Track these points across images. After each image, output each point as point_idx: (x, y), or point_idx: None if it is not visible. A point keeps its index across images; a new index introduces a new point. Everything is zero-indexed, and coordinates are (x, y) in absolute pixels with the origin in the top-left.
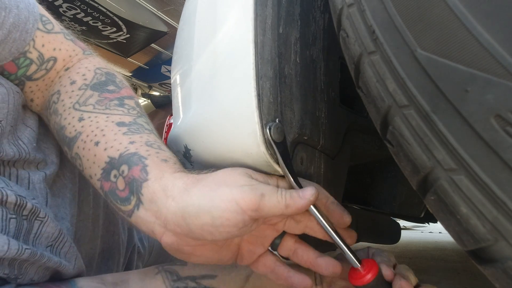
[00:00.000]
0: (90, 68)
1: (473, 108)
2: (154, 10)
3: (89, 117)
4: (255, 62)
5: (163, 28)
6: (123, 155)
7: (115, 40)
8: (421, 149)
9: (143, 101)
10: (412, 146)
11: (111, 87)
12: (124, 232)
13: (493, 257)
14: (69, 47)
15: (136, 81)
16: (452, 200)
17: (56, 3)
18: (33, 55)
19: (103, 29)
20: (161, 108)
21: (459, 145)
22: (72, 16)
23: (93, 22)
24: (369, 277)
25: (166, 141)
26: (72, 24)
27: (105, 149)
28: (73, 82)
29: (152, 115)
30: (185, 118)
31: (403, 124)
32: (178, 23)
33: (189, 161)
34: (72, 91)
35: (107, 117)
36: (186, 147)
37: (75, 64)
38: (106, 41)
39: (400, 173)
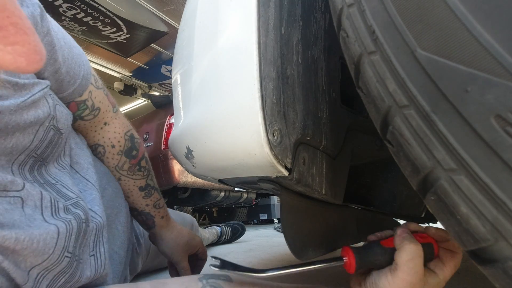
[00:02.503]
0: (121, 133)
1: (473, 108)
2: (154, 10)
3: (124, 180)
4: (259, 63)
5: (163, 28)
6: (142, 211)
7: (115, 40)
8: (421, 149)
9: (143, 101)
10: (412, 146)
11: (134, 152)
12: (138, 227)
13: (493, 257)
14: (106, 101)
15: (136, 81)
16: (452, 200)
17: (56, 3)
18: (89, 103)
19: (103, 29)
20: (161, 108)
21: (459, 145)
22: (72, 16)
23: (93, 22)
24: (353, 264)
25: (166, 142)
26: (72, 24)
27: (133, 203)
28: (113, 146)
29: (152, 115)
30: (186, 119)
31: (403, 124)
32: (178, 23)
33: (191, 162)
34: (113, 154)
35: (134, 182)
36: (188, 148)
37: (110, 124)
38: (106, 41)
39: (401, 173)
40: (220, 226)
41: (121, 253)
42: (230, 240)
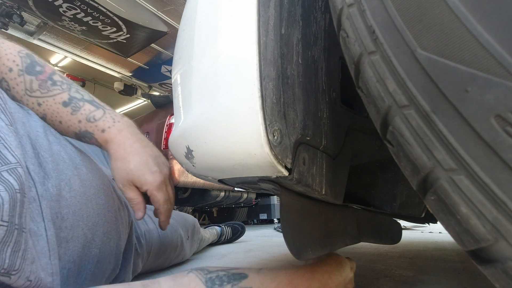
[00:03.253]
0: (13, 52)
1: (473, 108)
2: (154, 10)
3: (43, 102)
4: (259, 63)
5: (163, 28)
6: (80, 132)
7: (115, 40)
8: (421, 149)
9: (143, 101)
10: (412, 146)
11: (38, 68)
12: (139, 227)
13: (493, 257)
14: None
15: (136, 81)
16: (452, 200)
17: (56, 3)
18: None
19: (103, 29)
20: (161, 108)
21: (459, 145)
22: (72, 16)
23: (93, 22)
24: None
25: (166, 142)
26: (72, 24)
27: (68, 127)
28: (10, 70)
29: (152, 115)
30: (186, 119)
31: (403, 124)
32: (178, 23)
33: (191, 162)
34: (15, 78)
35: (53, 99)
36: (188, 148)
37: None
38: (106, 41)
39: (401, 173)
40: (220, 226)
41: (89, 235)
42: (230, 240)
